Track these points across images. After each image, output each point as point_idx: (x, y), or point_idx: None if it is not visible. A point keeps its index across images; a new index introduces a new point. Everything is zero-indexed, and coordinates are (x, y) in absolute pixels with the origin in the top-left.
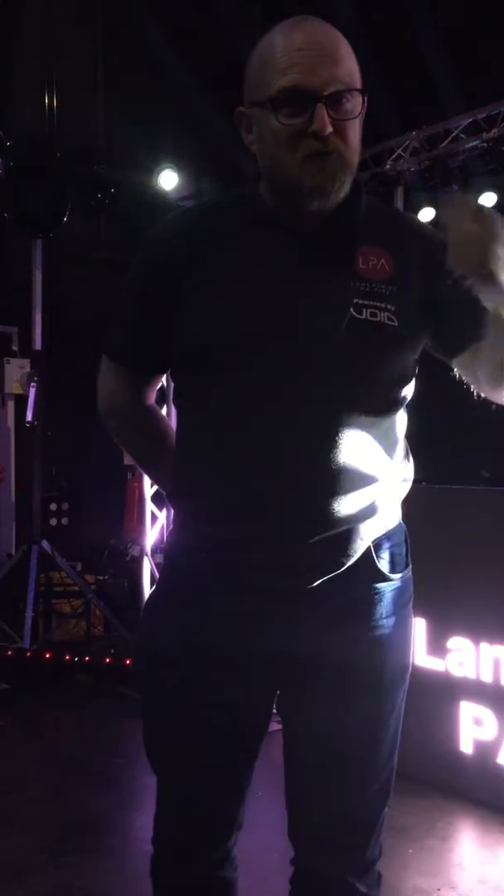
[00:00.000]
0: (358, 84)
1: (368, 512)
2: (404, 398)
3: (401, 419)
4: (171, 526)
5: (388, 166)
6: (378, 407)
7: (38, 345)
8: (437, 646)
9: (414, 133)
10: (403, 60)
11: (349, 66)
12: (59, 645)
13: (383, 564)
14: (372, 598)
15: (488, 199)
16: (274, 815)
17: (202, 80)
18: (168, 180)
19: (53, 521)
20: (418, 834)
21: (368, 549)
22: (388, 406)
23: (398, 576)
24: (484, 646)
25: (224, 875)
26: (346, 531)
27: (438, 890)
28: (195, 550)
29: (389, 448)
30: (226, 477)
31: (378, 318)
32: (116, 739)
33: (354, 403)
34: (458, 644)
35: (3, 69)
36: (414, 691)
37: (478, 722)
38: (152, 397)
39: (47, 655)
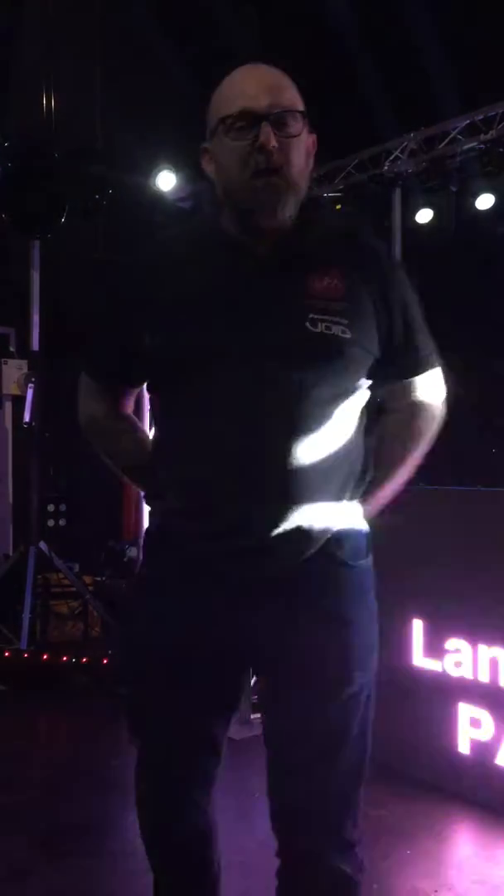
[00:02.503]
0: (301, 108)
1: (327, 507)
2: (359, 403)
3: (359, 421)
4: (148, 524)
5: (385, 168)
6: (334, 411)
7: (35, 346)
8: (434, 647)
9: (412, 134)
10: (401, 62)
11: (290, 95)
12: (56, 646)
13: (343, 554)
14: (334, 584)
15: (486, 201)
16: None
17: (200, 82)
18: (166, 181)
19: (51, 522)
20: (416, 835)
21: (328, 540)
22: (344, 409)
23: (358, 564)
24: (482, 647)
25: (203, 826)
26: (307, 525)
27: (436, 891)
28: (169, 543)
29: (348, 449)
30: (195, 478)
31: (332, 332)
32: (114, 741)
33: (312, 409)
34: (456, 645)
35: (1, 70)
36: (411, 693)
37: (475, 723)
38: (129, 409)
39: (44, 656)
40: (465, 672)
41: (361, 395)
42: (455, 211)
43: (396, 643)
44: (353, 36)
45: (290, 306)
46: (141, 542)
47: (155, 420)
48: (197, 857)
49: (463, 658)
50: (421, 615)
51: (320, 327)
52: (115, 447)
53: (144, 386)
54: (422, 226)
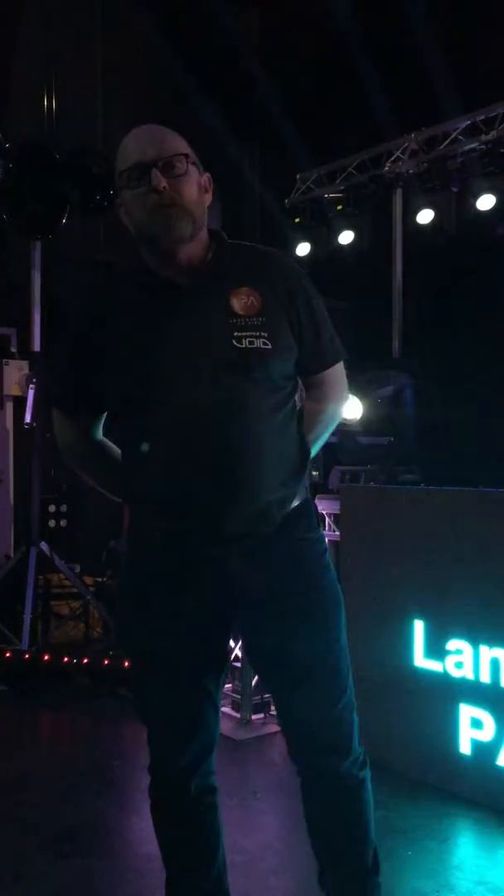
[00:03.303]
0: (184, 151)
1: (280, 491)
2: (290, 398)
3: (292, 413)
4: (129, 522)
5: (386, 168)
6: (270, 409)
7: (36, 346)
8: (436, 648)
9: (412, 135)
10: (402, 63)
11: (174, 143)
12: (57, 647)
13: (298, 530)
14: (297, 555)
15: (486, 202)
16: (273, 817)
17: (201, 83)
18: None
19: (52, 523)
20: (417, 835)
21: (285, 519)
22: (281, 404)
23: (311, 535)
24: (483, 648)
25: (207, 783)
26: (265, 507)
27: (437, 891)
28: (149, 534)
29: (288, 439)
30: (165, 479)
31: (255, 345)
32: (115, 741)
33: (254, 413)
34: (457, 646)
35: (2, 72)
36: (413, 693)
37: (477, 724)
38: (98, 433)
39: (46, 657)
40: (467, 673)
41: (290, 391)
42: (456, 211)
43: (397, 644)
44: (354, 37)
45: (215, 328)
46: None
47: (122, 442)
48: (203, 819)
49: (464, 659)
50: (422, 616)
51: (245, 343)
52: (88, 467)
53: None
54: (423, 226)
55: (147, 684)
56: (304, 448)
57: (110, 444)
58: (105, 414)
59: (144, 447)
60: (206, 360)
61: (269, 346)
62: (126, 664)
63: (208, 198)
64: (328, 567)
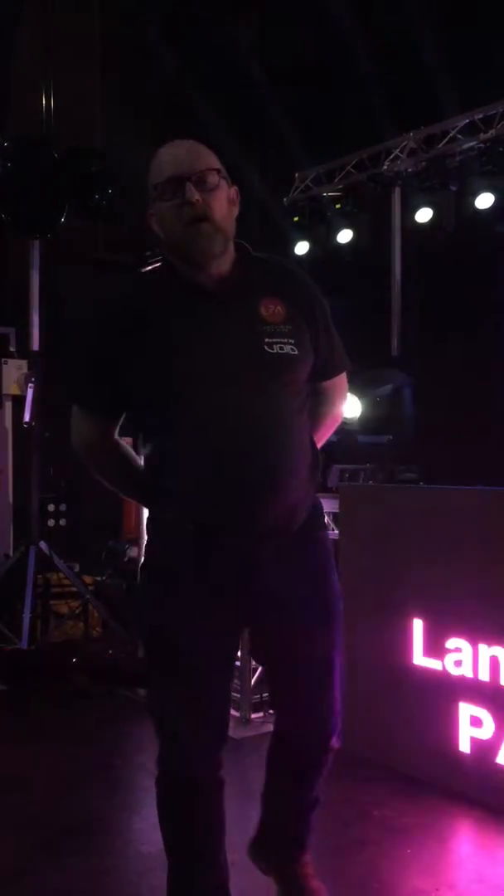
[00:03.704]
0: (216, 166)
1: (304, 488)
2: (307, 404)
3: (308, 420)
4: (151, 518)
5: (385, 167)
6: (295, 411)
7: (35, 345)
8: (435, 646)
9: (411, 134)
10: (401, 61)
11: (206, 158)
12: (56, 646)
13: (314, 526)
14: (311, 548)
15: (485, 200)
16: None
17: (200, 81)
18: None
19: (51, 522)
20: (417, 834)
21: (306, 517)
22: (300, 409)
23: (323, 532)
24: (482, 646)
25: (218, 776)
26: (293, 504)
27: (437, 889)
28: (181, 526)
29: (307, 439)
30: (203, 480)
31: (284, 350)
32: (114, 740)
33: (282, 413)
34: (456, 644)
35: (1, 70)
36: (412, 692)
37: (476, 722)
38: (115, 433)
39: (45, 656)
40: (466, 671)
41: (307, 395)
42: (455, 210)
43: (397, 642)
44: (353, 36)
45: (247, 333)
46: (145, 535)
47: (143, 438)
48: (210, 812)
49: (463, 657)
50: (421, 614)
51: (275, 348)
52: (107, 467)
53: (127, 412)
54: (421, 225)
55: (168, 671)
56: (315, 450)
57: (126, 444)
58: (121, 415)
59: (177, 444)
60: (240, 363)
61: (297, 353)
62: (125, 663)
63: (235, 210)
64: (334, 564)
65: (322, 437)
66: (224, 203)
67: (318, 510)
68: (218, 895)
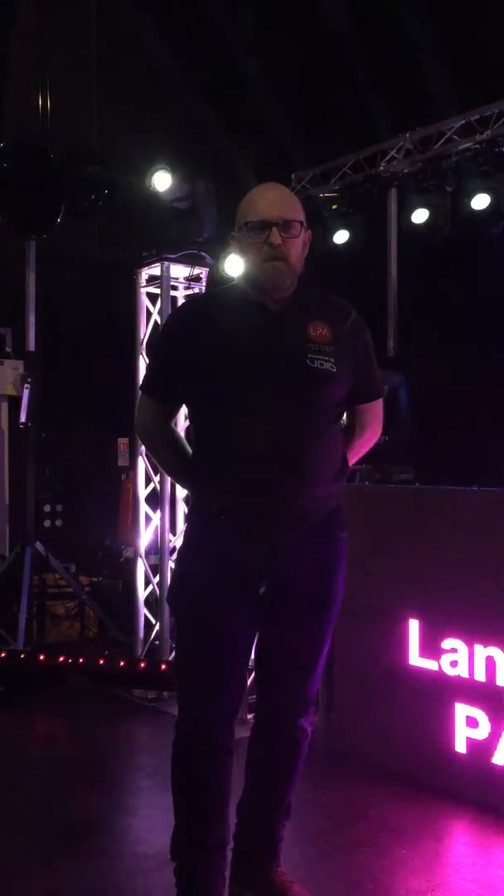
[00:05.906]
0: (300, 219)
1: (327, 488)
2: (339, 419)
3: (340, 428)
4: (191, 506)
5: (381, 168)
6: (326, 422)
7: (31, 346)
8: (430, 647)
9: (407, 135)
10: (397, 62)
11: (294, 209)
12: (53, 647)
13: (333, 527)
14: (329, 545)
15: (481, 201)
16: None
17: (196, 82)
18: (162, 181)
19: (47, 523)
20: (412, 834)
21: (326, 516)
22: (332, 422)
23: (343, 533)
24: (478, 647)
25: (230, 742)
26: (316, 500)
27: (433, 890)
28: (215, 515)
29: (336, 447)
30: (238, 469)
31: (325, 367)
32: (110, 741)
33: (317, 419)
34: (452, 645)
35: None
36: (408, 692)
37: (472, 722)
38: (172, 422)
39: (41, 657)
40: (462, 672)
41: (340, 412)
42: (451, 211)
43: (393, 643)
44: (349, 37)
45: (295, 346)
46: (138, 541)
47: (194, 429)
48: (220, 773)
49: (459, 658)
50: (417, 615)
51: (316, 363)
52: (163, 449)
53: (185, 406)
54: (417, 226)
55: (200, 634)
56: (345, 461)
57: (178, 432)
58: (179, 406)
59: (218, 436)
60: (283, 371)
61: (335, 371)
62: (122, 664)
63: (306, 251)
64: (344, 564)
65: (356, 454)
66: (300, 248)
67: (341, 512)
68: (219, 853)
